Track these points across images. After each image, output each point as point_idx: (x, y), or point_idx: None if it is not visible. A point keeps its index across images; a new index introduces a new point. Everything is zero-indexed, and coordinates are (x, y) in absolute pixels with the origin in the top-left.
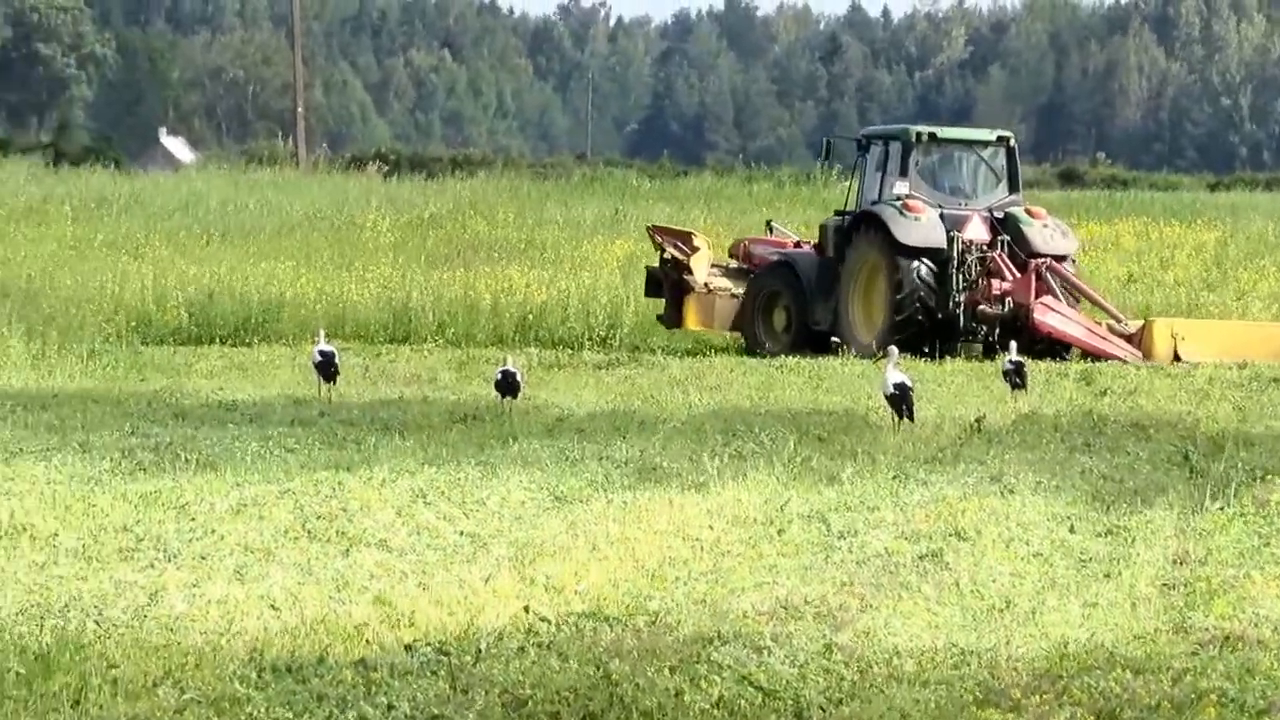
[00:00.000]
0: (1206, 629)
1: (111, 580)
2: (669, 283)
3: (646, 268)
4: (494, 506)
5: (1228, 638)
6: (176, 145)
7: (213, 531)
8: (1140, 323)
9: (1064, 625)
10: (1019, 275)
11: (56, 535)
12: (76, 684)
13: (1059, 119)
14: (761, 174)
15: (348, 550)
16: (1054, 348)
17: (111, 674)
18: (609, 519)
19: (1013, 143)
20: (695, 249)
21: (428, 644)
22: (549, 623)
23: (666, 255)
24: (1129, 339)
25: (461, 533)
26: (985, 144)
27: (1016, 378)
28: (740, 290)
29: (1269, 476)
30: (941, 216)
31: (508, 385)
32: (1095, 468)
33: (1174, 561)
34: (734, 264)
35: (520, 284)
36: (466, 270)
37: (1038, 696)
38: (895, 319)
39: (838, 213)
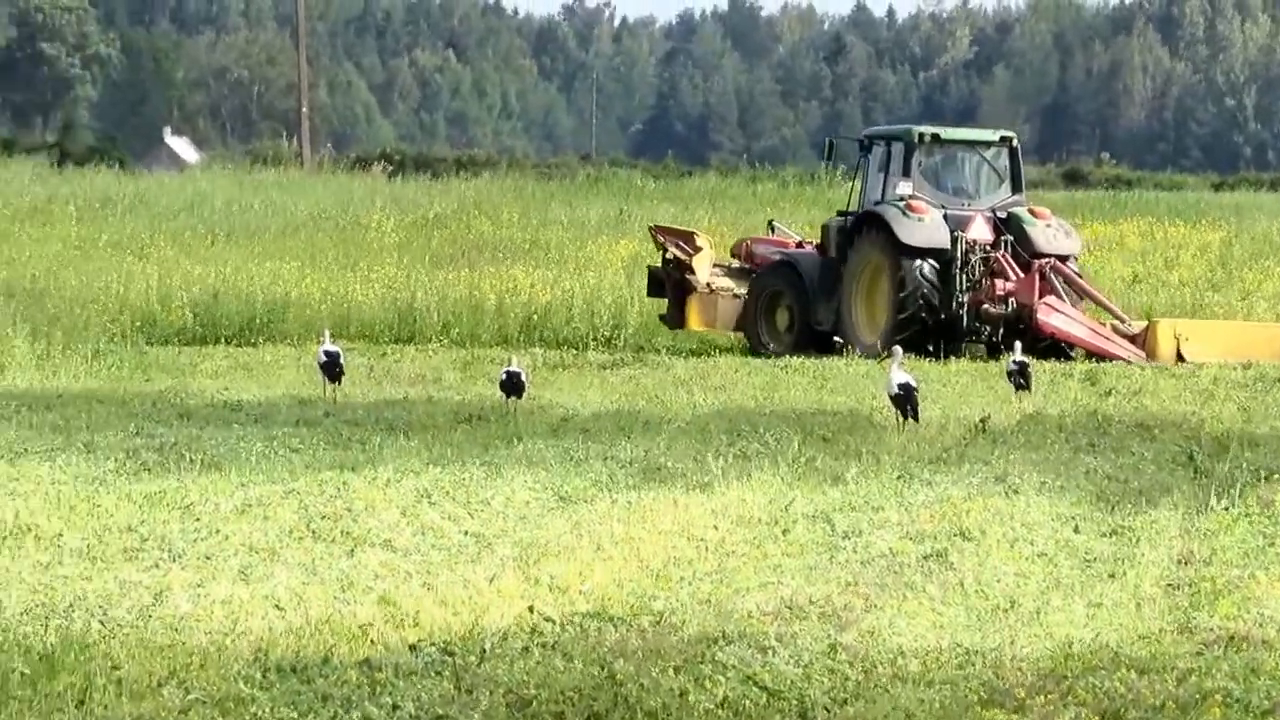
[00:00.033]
0: (1211, 629)
1: (116, 580)
2: (671, 283)
3: (648, 268)
4: (499, 507)
5: (1232, 638)
6: (181, 145)
7: (217, 531)
8: (1144, 323)
9: (1069, 625)
10: (1022, 275)
11: (61, 535)
12: (81, 684)
13: (1063, 119)
14: (766, 174)
15: (352, 550)
16: (1058, 348)
17: (116, 674)
18: (614, 519)
19: (1015, 143)
20: (697, 249)
21: (432, 644)
22: (554, 623)
23: (669, 255)
24: (1132, 339)
25: (466, 533)
26: (988, 144)
27: (1020, 379)
28: (742, 290)
29: (1274, 477)
30: (945, 217)
31: (512, 385)
32: (1100, 468)
33: (1179, 562)
34: (736, 264)
35: (525, 284)
36: (471, 270)
37: (1042, 696)
38: (898, 319)
39: (840, 213)
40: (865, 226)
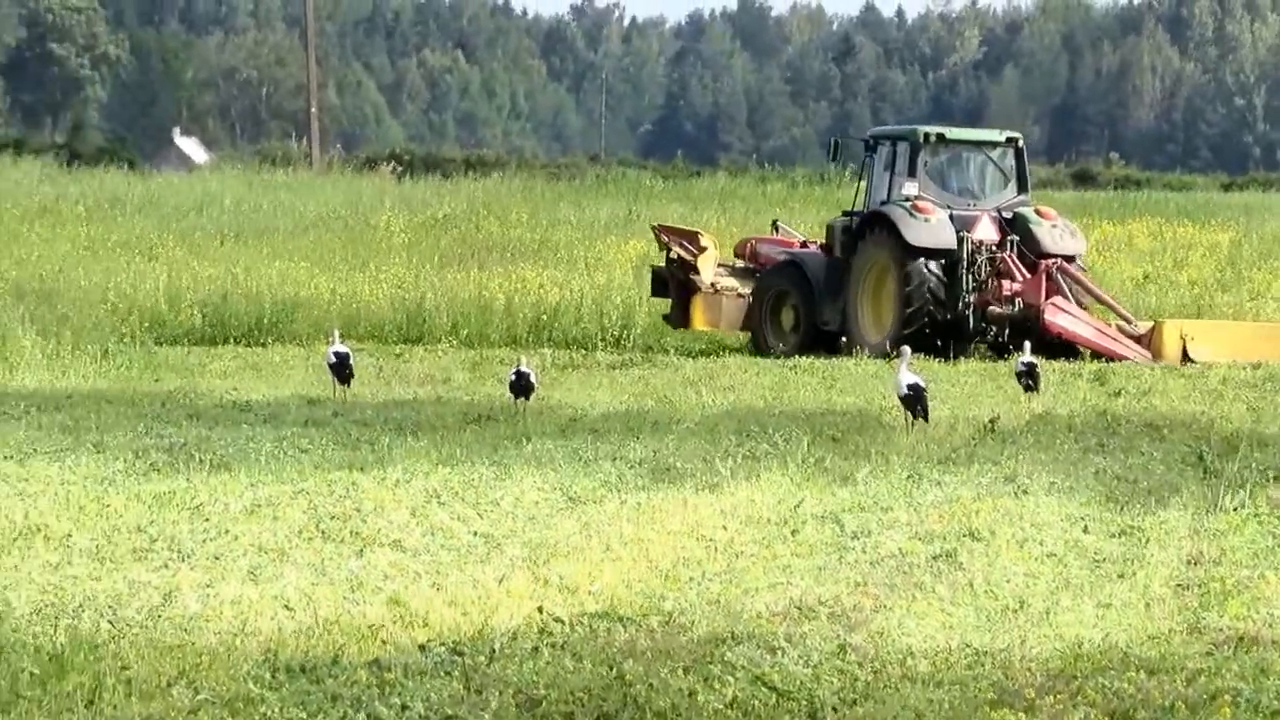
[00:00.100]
0: (1221, 629)
1: (125, 580)
2: (675, 283)
3: (652, 268)
4: (508, 507)
5: (1242, 638)
6: (190, 146)
7: (227, 532)
8: (1150, 324)
9: (1078, 625)
10: (1029, 276)
11: (70, 536)
12: (90, 684)
13: (1072, 119)
14: (775, 174)
15: (362, 551)
16: (1069, 347)
17: (125, 674)
18: (623, 519)
19: (1021, 143)
20: (702, 249)
21: (442, 644)
22: (563, 623)
23: (672, 255)
24: (1138, 340)
25: (475, 533)
26: (993, 144)
27: (1029, 379)
28: (747, 290)
29: None
30: (951, 217)
31: (521, 386)
32: (1109, 468)
33: (1188, 562)
34: (740, 263)
35: (534, 284)
36: (480, 270)
37: (1052, 697)
38: (905, 319)
39: (845, 213)
40: (871, 227)
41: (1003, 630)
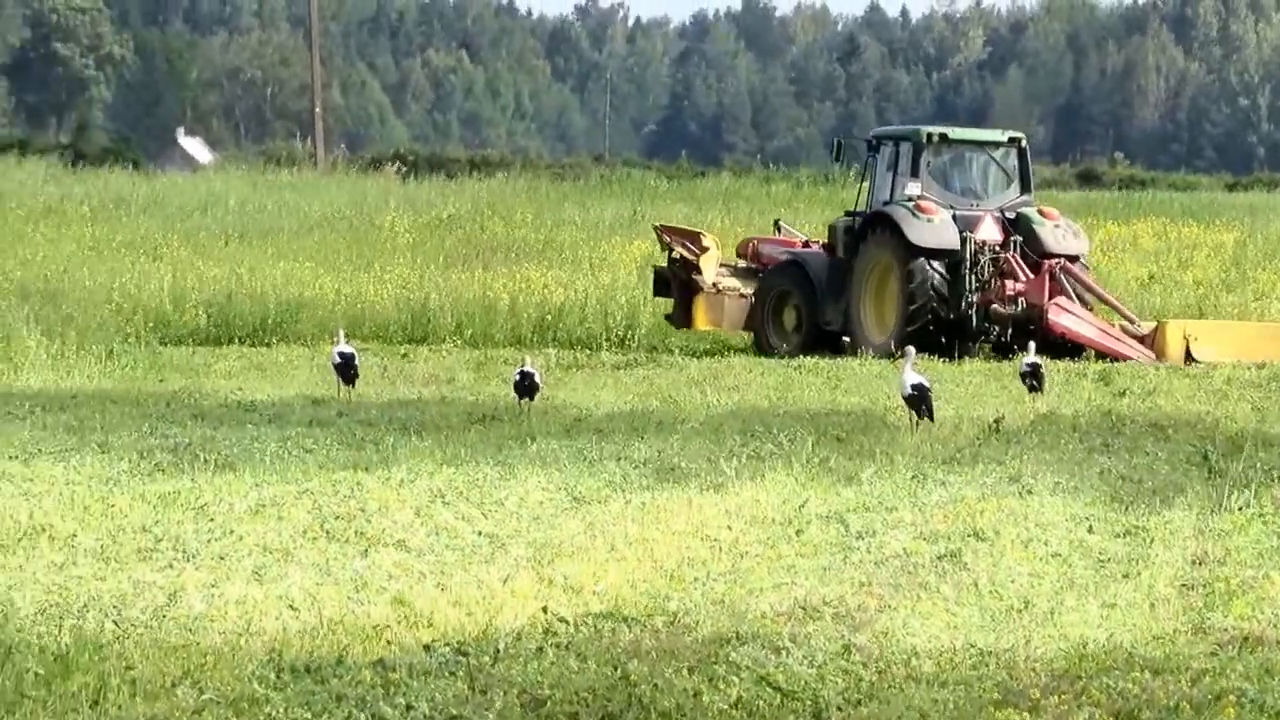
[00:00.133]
0: (1225, 630)
1: (130, 580)
2: (677, 283)
3: (654, 268)
4: (512, 507)
5: (1247, 638)
6: (195, 146)
7: (231, 532)
8: (1153, 324)
9: (1083, 626)
10: (1032, 276)
11: (75, 536)
12: (95, 684)
13: (1077, 119)
14: (780, 175)
15: (366, 551)
16: (1074, 347)
17: (130, 674)
18: (627, 519)
19: (1024, 143)
20: (704, 249)
21: (446, 644)
22: (567, 623)
23: (675, 255)
24: (1142, 340)
25: (480, 533)
26: (996, 145)
27: (1033, 380)
28: (749, 290)
29: None
30: (954, 217)
31: (526, 386)
32: (1114, 468)
33: (1193, 562)
34: (742, 263)
35: (538, 284)
36: (485, 271)
37: (1056, 697)
38: (907, 319)
39: (848, 213)
40: (874, 227)
41: (1007, 630)
